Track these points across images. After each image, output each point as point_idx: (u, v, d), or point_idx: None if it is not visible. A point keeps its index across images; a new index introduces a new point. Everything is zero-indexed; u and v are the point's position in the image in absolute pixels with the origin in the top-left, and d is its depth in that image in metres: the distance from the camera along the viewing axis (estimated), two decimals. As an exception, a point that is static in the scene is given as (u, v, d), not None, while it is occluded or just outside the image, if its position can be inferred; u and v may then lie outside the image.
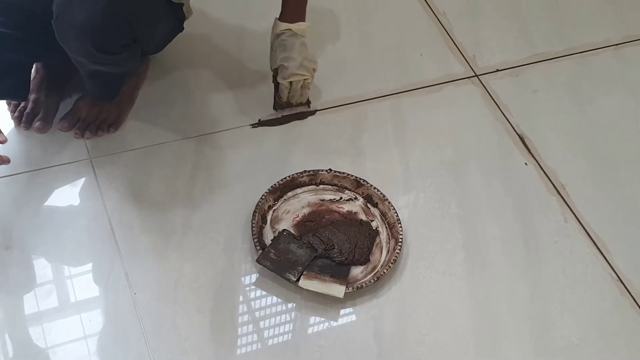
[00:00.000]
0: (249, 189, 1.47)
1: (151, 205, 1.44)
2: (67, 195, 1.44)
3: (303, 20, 1.50)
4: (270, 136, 1.58)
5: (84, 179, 1.46)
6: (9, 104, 1.55)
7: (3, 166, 1.43)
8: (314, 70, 1.55)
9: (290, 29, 1.49)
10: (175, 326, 1.29)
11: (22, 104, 1.53)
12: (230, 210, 1.45)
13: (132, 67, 1.50)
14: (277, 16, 1.49)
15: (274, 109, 1.61)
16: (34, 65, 1.53)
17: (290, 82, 1.55)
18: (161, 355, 1.25)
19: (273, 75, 1.56)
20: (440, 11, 1.88)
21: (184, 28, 1.57)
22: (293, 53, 1.50)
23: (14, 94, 1.48)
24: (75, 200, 1.43)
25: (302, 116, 1.62)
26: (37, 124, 1.50)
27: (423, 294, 1.38)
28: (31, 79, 1.51)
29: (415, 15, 1.87)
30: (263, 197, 1.44)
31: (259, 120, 1.59)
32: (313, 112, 1.62)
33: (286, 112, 1.61)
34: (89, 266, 1.35)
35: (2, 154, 1.31)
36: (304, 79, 1.55)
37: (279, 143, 1.57)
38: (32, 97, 1.52)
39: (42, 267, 1.35)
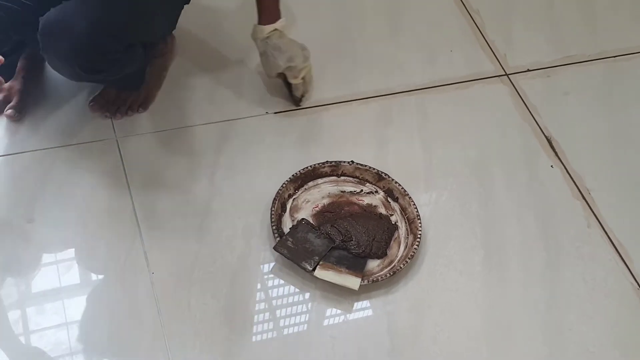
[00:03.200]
0: (270, 177, 1.47)
1: (173, 187, 1.45)
2: (92, 172, 1.45)
3: (279, 17, 1.49)
4: (294, 125, 1.58)
5: (109, 157, 1.48)
6: None
7: (31, 141, 1.46)
8: (309, 55, 1.56)
9: (276, 29, 1.49)
10: (190, 308, 1.30)
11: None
12: (250, 197, 1.45)
13: (137, 64, 1.47)
14: (256, 22, 1.49)
15: (296, 106, 1.60)
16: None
17: (303, 77, 1.56)
18: (174, 335, 1.26)
19: (283, 79, 1.57)
20: (474, 9, 1.86)
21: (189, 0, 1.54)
22: (292, 51, 1.51)
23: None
24: (99, 178, 1.45)
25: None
26: (9, 111, 1.50)
27: (439, 292, 1.37)
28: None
29: (447, 11, 1.86)
30: (284, 185, 1.44)
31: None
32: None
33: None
34: (109, 244, 1.36)
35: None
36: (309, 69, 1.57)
37: (302, 132, 1.57)
38: (6, 85, 1.51)
39: (64, 242, 1.36)
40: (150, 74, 1.56)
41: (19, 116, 1.50)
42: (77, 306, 1.29)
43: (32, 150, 1.47)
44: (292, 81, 1.55)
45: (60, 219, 1.39)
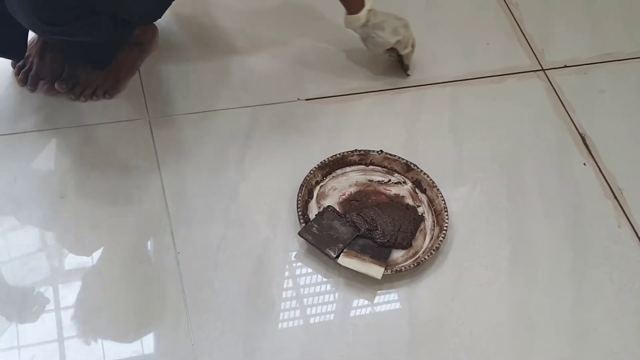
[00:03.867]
0: (299, 163, 1.47)
1: (202, 169, 1.46)
2: (124, 151, 1.47)
3: (364, 4, 1.51)
4: (325, 113, 1.58)
5: (141, 137, 1.49)
6: (13, 66, 1.55)
7: (64, 118, 1.49)
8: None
9: (370, 10, 1.51)
10: (213, 289, 1.31)
11: (27, 66, 1.53)
12: (278, 182, 1.46)
13: (104, 37, 1.40)
14: (345, 14, 1.51)
15: (407, 75, 1.64)
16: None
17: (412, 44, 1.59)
18: (197, 315, 1.28)
19: (394, 55, 1.60)
20: (512, 2, 1.84)
21: None
22: (393, 23, 1.53)
23: (5, 51, 1.48)
24: (130, 157, 1.46)
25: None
26: (45, 86, 1.51)
27: (463, 286, 1.37)
28: (35, 42, 1.52)
29: (486, 4, 1.84)
30: (311, 172, 1.45)
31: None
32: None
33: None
34: (137, 221, 1.38)
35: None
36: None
37: (332, 120, 1.57)
38: (36, 59, 1.52)
39: (93, 218, 1.38)
40: (122, 61, 1.53)
41: (55, 91, 1.50)
42: (104, 281, 1.32)
43: (66, 127, 1.49)
44: (403, 52, 1.58)
45: (90, 196, 1.40)
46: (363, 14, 1.50)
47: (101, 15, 1.34)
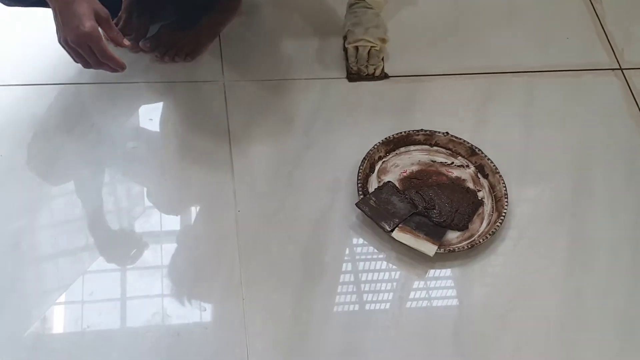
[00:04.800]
0: (364, 137, 1.49)
1: (269, 134, 1.50)
2: (197, 110, 1.52)
3: None
4: (396, 91, 1.60)
5: (214, 99, 1.54)
6: None
7: (154, 73, 1.55)
8: (383, 40, 1.56)
9: (364, 0, 1.54)
10: (268, 249, 1.35)
11: (114, 21, 1.56)
12: (341, 154, 1.48)
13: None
14: None
15: (347, 79, 1.60)
16: None
17: (357, 48, 1.56)
18: (250, 271, 1.32)
19: (343, 43, 1.61)
20: (596, -2, 1.82)
21: None
22: (361, 20, 1.55)
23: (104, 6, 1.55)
24: (203, 117, 1.51)
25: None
26: (130, 43, 1.57)
27: (516, 272, 1.36)
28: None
29: (569, -1, 1.82)
30: (375, 146, 1.46)
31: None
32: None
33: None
34: (202, 177, 1.43)
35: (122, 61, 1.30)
36: (371, 46, 1.56)
37: (403, 99, 1.59)
38: (123, 16, 1.58)
39: (160, 169, 1.43)
40: (205, 25, 1.58)
41: (138, 48, 1.57)
42: (165, 232, 1.37)
43: (144, 82, 1.55)
44: (346, 44, 1.59)
45: (161, 148, 1.46)
46: None
47: None
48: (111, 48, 1.23)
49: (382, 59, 1.61)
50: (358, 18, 1.56)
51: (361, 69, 1.59)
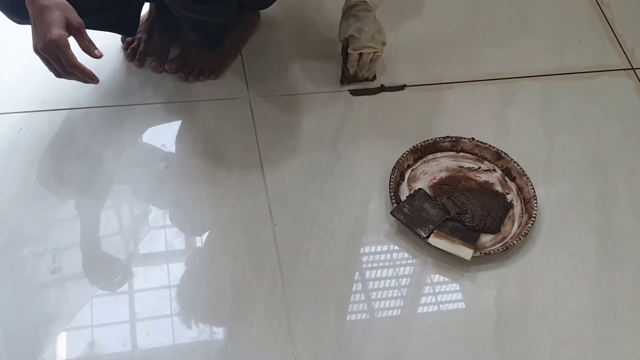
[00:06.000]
0: (391, 146, 1.52)
1: (298, 148, 1.53)
2: (225, 127, 1.54)
3: None
4: (418, 100, 1.63)
5: (241, 115, 1.56)
6: (122, 41, 1.64)
7: (168, 94, 1.57)
8: (384, 44, 1.57)
9: (364, 1, 1.52)
10: (307, 260, 1.37)
11: (135, 43, 1.61)
12: (370, 164, 1.51)
13: (229, 18, 1.50)
14: None
15: (340, 82, 1.63)
16: (147, 7, 1.61)
17: (360, 54, 1.57)
18: (292, 284, 1.34)
19: (342, 47, 1.60)
20: (604, 2, 1.86)
21: None
22: (366, 25, 1.52)
23: (120, 27, 1.55)
24: (232, 133, 1.54)
25: (372, 92, 1.64)
26: (153, 63, 1.60)
27: (549, 271, 1.40)
28: (144, 20, 1.61)
29: (578, 2, 1.86)
30: (404, 155, 1.49)
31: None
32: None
33: (358, 86, 1.63)
34: (236, 194, 1.45)
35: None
36: (374, 52, 1.57)
37: (425, 108, 1.62)
38: (144, 37, 1.61)
39: (194, 190, 1.45)
40: (228, 43, 1.60)
41: (162, 68, 1.60)
42: (203, 249, 1.39)
43: (171, 102, 1.57)
44: (350, 51, 1.57)
45: (193, 168, 1.48)
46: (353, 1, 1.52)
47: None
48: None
49: None
50: (361, 23, 1.53)
51: (357, 74, 1.61)
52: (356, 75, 1.62)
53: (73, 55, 1.21)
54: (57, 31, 1.18)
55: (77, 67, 1.22)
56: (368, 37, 1.54)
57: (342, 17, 1.57)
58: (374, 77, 1.64)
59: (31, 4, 1.20)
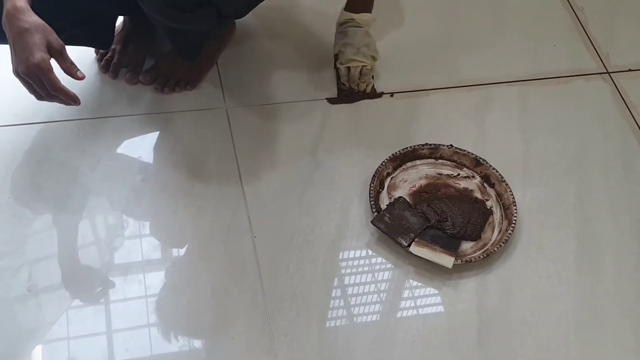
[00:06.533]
0: (370, 155, 1.52)
1: (277, 157, 1.51)
2: (202, 138, 1.53)
3: (369, 11, 1.55)
4: (396, 107, 1.62)
5: (218, 125, 1.54)
6: (96, 52, 1.62)
7: (143, 105, 1.55)
8: (374, 58, 1.59)
9: (353, 19, 1.55)
10: (288, 272, 1.36)
11: (109, 54, 1.59)
12: (350, 173, 1.50)
13: (208, 28, 1.51)
14: (343, 6, 1.55)
15: (337, 96, 1.63)
16: (121, 19, 1.59)
17: (348, 68, 1.59)
18: (273, 297, 1.33)
19: (334, 62, 1.63)
20: (578, 6, 1.87)
21: None
22: (352, 40, 1.56)
23: (95, 41, 1.53)
24: (209, 144, 1.52)
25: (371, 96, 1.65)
26: (127, 75, 1.58)
27: (530, 277, 1.40)
28: (118, 31, 1.59)
29: (552, 7, 1.88)
30: (383, 163, 1.49)
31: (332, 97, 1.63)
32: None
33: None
34: (214, 206, 1.43)
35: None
36: (362, 66, 1.58)
37: (403, 115, 1.62)
38: (118, 48, 1.59)
39: (172, 202, 1.43)
40: (204, 53, 1.59)
41: (136, 80, 1.58)
42: (183, 262, 1.37)
43: (146, 114, 1.55)
44: (337, 65, 1.60)
45: (170, 179, 1.46)
46: (345, 16, 1.55)
47: (212, 7, 1.43)
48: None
49: (372, 77, 1.63)
50: (349, 38, 1.57)
51: (352, 87, 1.62)
52: (351, 88, 1.62)
53: (57, 78, 1.20)
54: (39, 54, 1.17)
55: (61, 90, 1.21)
56: (353, 51, 1.56)
57: (335, 34, 1.61)
58: (373, 91, 1.64)
59: (9, 26, 1.18)
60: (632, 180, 1.55)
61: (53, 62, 1.21)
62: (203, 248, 1.39)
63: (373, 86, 1.63)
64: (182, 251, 1.39)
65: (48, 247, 1.35)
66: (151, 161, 1.49)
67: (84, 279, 1.33)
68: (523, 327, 1.33)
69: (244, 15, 1.57)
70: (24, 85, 1.23)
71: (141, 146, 1.51)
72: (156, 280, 1.34)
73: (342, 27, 1.59)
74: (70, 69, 1.23)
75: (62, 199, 1.41)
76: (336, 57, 1.62)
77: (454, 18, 1.82)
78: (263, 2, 1.52)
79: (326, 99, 1.62)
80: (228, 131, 1.54)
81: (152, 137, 1.53)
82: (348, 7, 1.56)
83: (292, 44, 1.71)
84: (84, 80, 1.37)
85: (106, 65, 1.60)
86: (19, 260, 1.32)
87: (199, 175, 1.47)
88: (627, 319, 1.36)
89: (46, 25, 1.19)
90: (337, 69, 1.63)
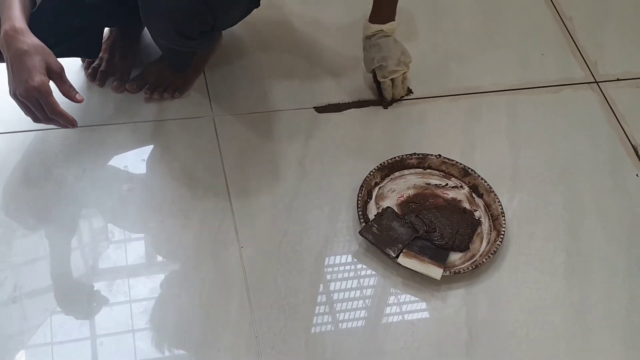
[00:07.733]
0: (358, 164, 1.51)
1: (265, 166, 1.50)
2: (189, 147, 1.51)
3: (393, 19, 1.53)
4: (384, 117, 1.62)
5: (205, 134, 1.53)
6: (83, 61, 1.61)
7: (141, 112, 1.54)
8: (410, 62, 1.58)
9: (382, 30, 1.53)
10: (276, 283, 1.35)
11: (96, 62, 1.58)
12: (337, 182, 1.50)
13: (211, 48, 1.57)
14: (367, 17, 1.53)
15: (383, 107, 1.63)
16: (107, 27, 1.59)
17: (392, 79, 1.58)
18: (260, 308, 1.31)
19: (373, 76, 1.61)
20: (567, 15, 1.87)
21: (259, 4, 1.55)
22: (389, 52, 1.54)
23: (85, 52, 1.52)
24: (196, 153, 1.51)
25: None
26: (114, 83, 1.57)
27: (519, 289, 1.39)
28: (105, 40, 1.58)
29: (540, 16, 1.88)
30: (371, 173, 1.48)
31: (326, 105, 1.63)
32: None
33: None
34: (201, 216, 1.42)
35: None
36: (403, 73, 1.58)
37: (391, 124, 1.61)
38: (105, 56, 1.58)
39: (158, 211, 1.42)
40: (191, 63, 1.59)
41: (123, 88, 1.57)
42: (170, 273, 1.36)
43: (133, 122, 1.54)
44: (380, 79, 1.59)
45: (156, 188, 1.45)
46: (373, 28, 1.53)
47: (215, 30, 1.45)
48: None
49: None
50: (385, 51, 1.53)
51: (396, 96, 1.62)
52: (393, 97, 1.62)
53: (56, 102, 1.18)
54: (39, 77, 1.15)
55: (60, 113, 1.19)
56: (395, 63, 1.55)
57: (363, 47, 1.58)
58: (409, 91, 1.65)
59: (7, 48, 1.16)
60: (620, 190, 1.55)
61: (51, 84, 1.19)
62: (190, 259, 1.37)
63: (408, 87, 1.65)
64: (169, 262, 1.37)
65: (33, 257, 1.33)
66: (137, 171, 1.48)
67: (70, 289, 1.32)
68: (512, 339, 1.33)
69: (233, 25, 1.56)
70: (21, 107, 1.20)
71: (128, 155, 1.50)
72: (142, 291, 1.32)
73: (372, 39, 1.54)
74: (69, 92, 1.21)
75: (47, 209, 1.39)
76: (374, 71, 1.59)
77: (443, 28, 1.82)
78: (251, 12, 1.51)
79: (313, 107, 1.61)
80: (215, 140, 1.53)
81: (139, 146, 1.51)
82: (374, 19, 1.53)
83: (280, 53, 1.70)
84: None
85: (93, 73, 1.58)
86: (3, 272, 1.30)
87: (186, 184, 1.46)
88: (617, 332, 1.36)
89: (45, 46, 1.17)
90: (378, 82, 1.60)
